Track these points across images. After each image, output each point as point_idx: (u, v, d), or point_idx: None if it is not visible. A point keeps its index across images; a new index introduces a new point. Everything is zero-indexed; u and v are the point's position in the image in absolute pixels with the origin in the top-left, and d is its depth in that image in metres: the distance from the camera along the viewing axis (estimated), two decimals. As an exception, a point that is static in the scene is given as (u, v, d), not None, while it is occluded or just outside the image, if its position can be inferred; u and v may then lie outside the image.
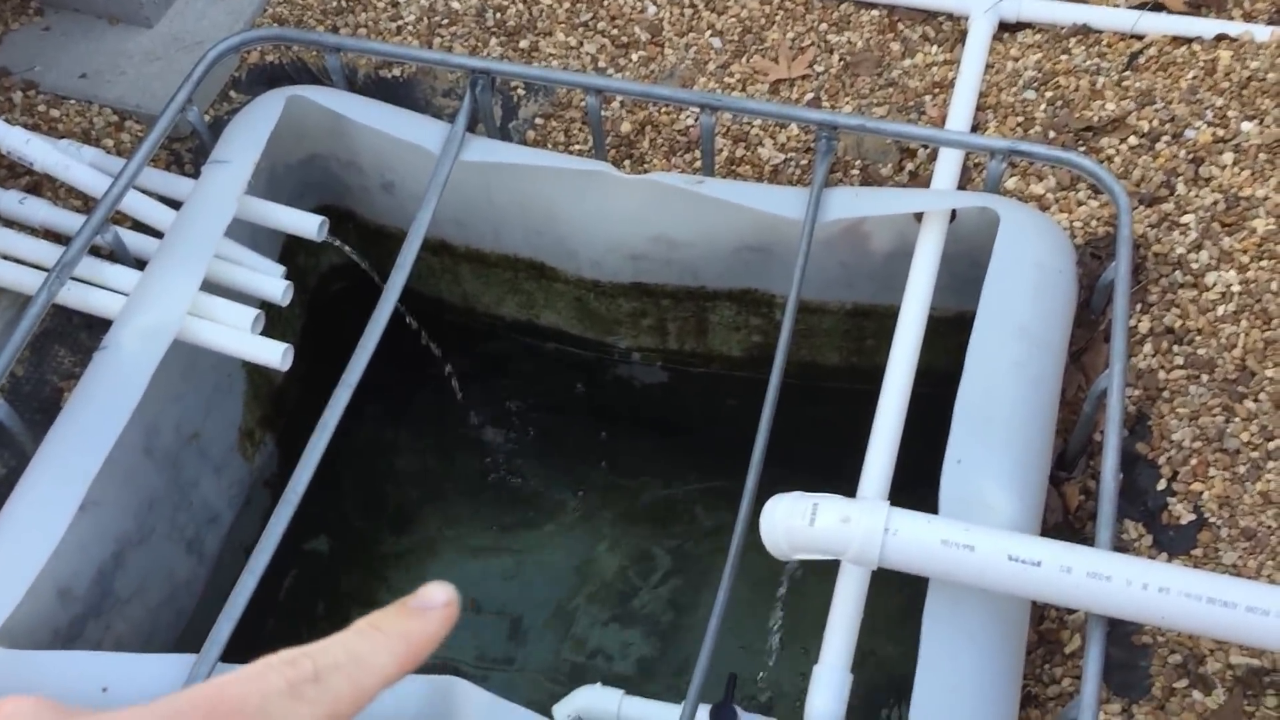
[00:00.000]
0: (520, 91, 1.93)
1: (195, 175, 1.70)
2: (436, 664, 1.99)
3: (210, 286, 1.55)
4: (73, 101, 1.88)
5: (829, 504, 1.22)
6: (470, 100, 1.70)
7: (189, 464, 1.77)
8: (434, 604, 0.39)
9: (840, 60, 1.90)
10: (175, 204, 1.65)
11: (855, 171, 1.79)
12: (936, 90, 1.84)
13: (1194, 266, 1.57)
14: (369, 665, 0.35)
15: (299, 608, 2.06)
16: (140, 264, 1.58)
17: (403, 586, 2.09)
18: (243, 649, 1.31)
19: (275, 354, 1.50)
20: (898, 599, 1.77)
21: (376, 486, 2.21)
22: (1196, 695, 1.28)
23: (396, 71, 1.94)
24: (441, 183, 1.64)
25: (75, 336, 1.66)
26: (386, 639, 0.37)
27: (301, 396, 2.06)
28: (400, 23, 2.00)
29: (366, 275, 1.87)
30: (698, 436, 2.23)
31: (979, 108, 1.79)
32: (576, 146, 1.88)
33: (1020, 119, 1.77)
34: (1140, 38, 1.82)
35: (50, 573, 1.37)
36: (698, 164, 1.82)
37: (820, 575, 1.37)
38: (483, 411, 2.21)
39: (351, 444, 2.11)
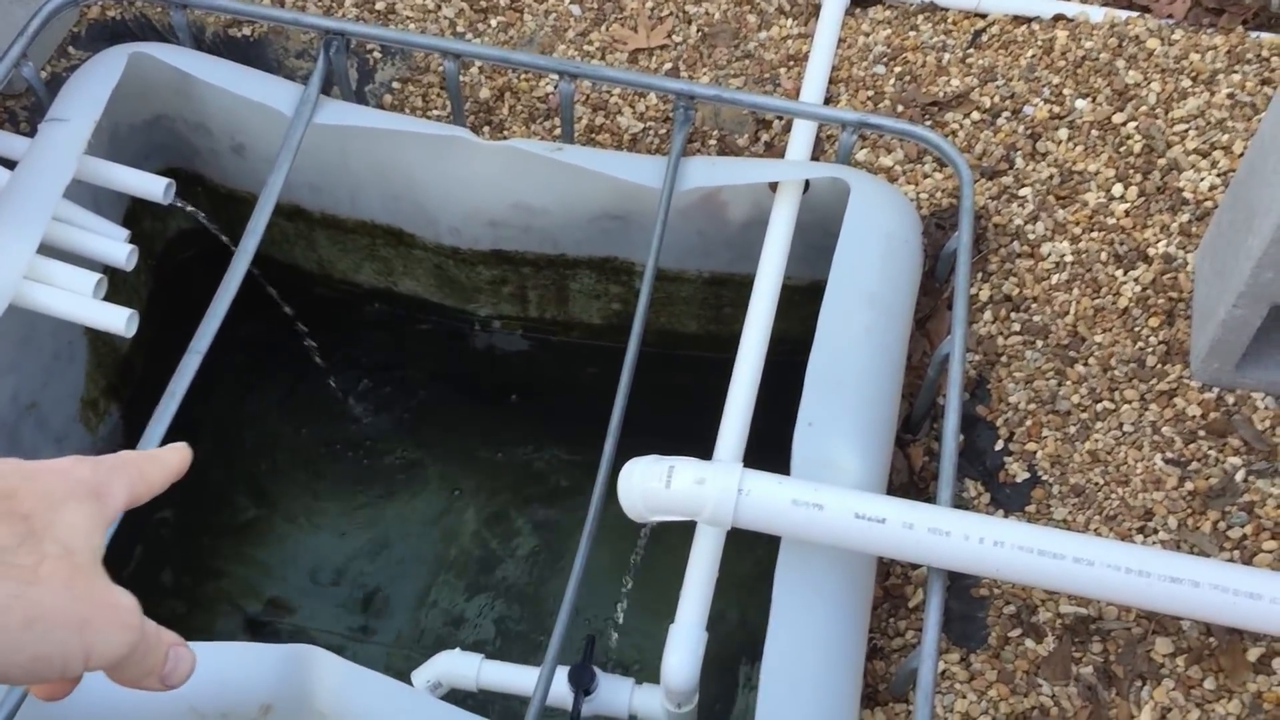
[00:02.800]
0: (376, 54, 1.89)
1: (31, 134, 1.63)
2: (295, 635, 1.97)
3: (49, 250, 1.49)
4: (-106, 53, 1.77)
5: (684, 466, 1.24)
6: (324, 62, 1.67)
7: (27, 435, 1.70)
8: (183, 450, 0.65)
9: (698, 31, 1.93)
10: (9, 164, 1.58)
11: (712, 141, 1.82)
12: (791, 63, 1.88)
13: (1031, 237, 1.64)
14: (168, 462, 0.63)
15: (148, 579, 2.00)
16: (-29, 226, 1.51)
17: (258, 558, 2.06)
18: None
19: (119, 320, 1.45)
20: (749, 562, 1.82)
21: (230, 457, 2.16)
22: (1029, 643, 1.36)
23: (247, 30, 1.88)
24: (294, 146, 1.61)
25: (-100, 302, 1.58)
26: (176, 454, 0.64)
27: (149, 366, 1.99)
28: (250, -20, 1.94)
29: (217, 241, 1.82)
30: (558, 404, 2.24)
31: (831, 81, 1.84)
32: (435, 112, 1.86)
33: (870, 93, 1.82)
34: (984, 16, 1.89)
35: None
36: (557, 131, 1.82)
37: (679, 537, 1.40)
38: (340, 380, 2.18)
39: (205, 414, 2.06)
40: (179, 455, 0.64)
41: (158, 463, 0.62)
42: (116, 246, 1.53)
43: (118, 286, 1.54)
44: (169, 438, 1.36)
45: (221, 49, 1.86)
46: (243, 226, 1.54)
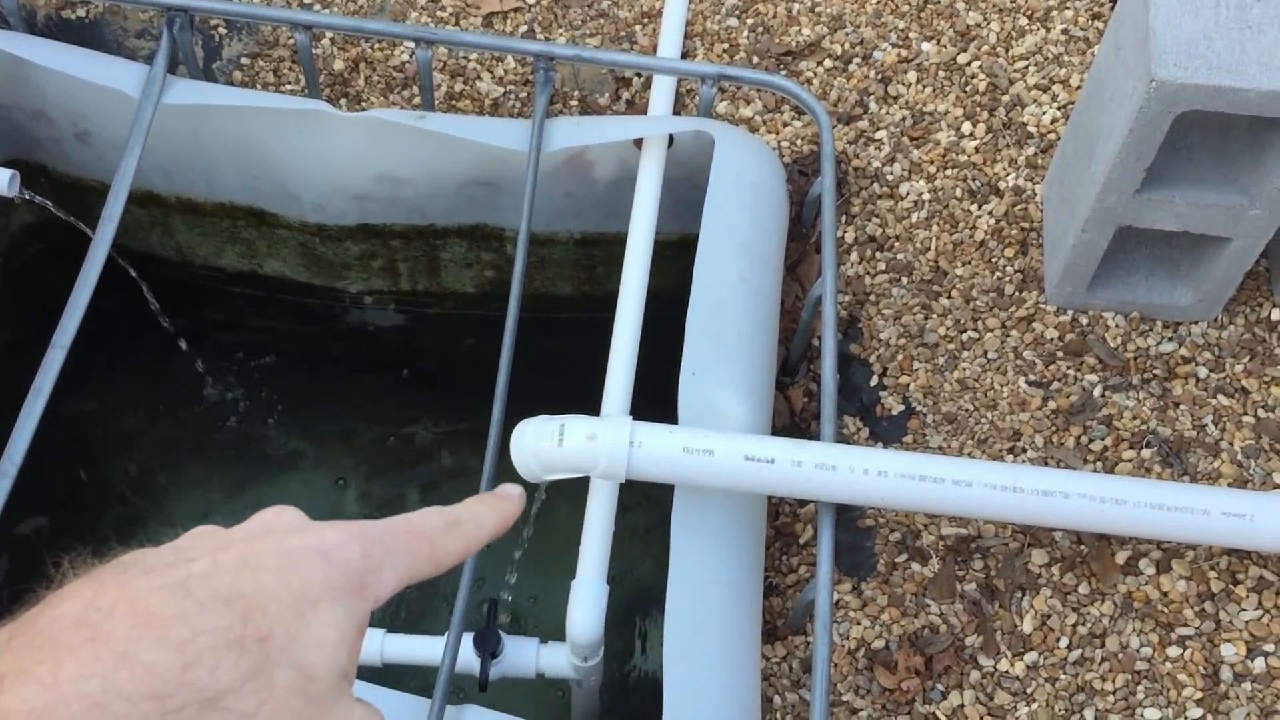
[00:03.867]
0: (222, 30, 1.84)
1: None
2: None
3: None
4: None
5: (576, 423, 1.26)
6: (168, 40, 1.61)
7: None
8: (514, 494, 0.54)
9: (551, -8, 1.92)
10: None
11: (574, 103, 1.82)
12: (645, 20, 1.89)
13: (889, 179, 1.70)
14: (483, 522, 0.50)
15: (15, 593, 1.92)
16: None
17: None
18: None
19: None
20: (641, 516, 1.85)
21: (100, 455, 2.09)
22: (915, 567, 1.42)
23: (81, 12, 1.81)
24: (144, 129, 1.55)
25: None
26: (490, 509, 0.52)
27: (4, 367, 1.91)
28: (80, -41, 1.86)
29: (68, 233, 1.75)
30: (438, 377, 2.23)
31: (687, 36, 1.86)
32: (288, 86, 1.81)
33: (726, 45, 1.85)
34: (829, -34, 1.93)
35: None
36: (417, 100, 1.80)
37: (570, 497, 1.42)
38: (210, 367, 2.12)
39: (70, 411, 1.99)
40: (496, 515, 0.52)
41: (463, 530, 0.49)
42: (-39, 244, 1.46)
43: (-36, 286, 1.47)
44: (39, 436, 1.32)
45: (55, 33, 1.78)
46: (92, 216, 1.48)
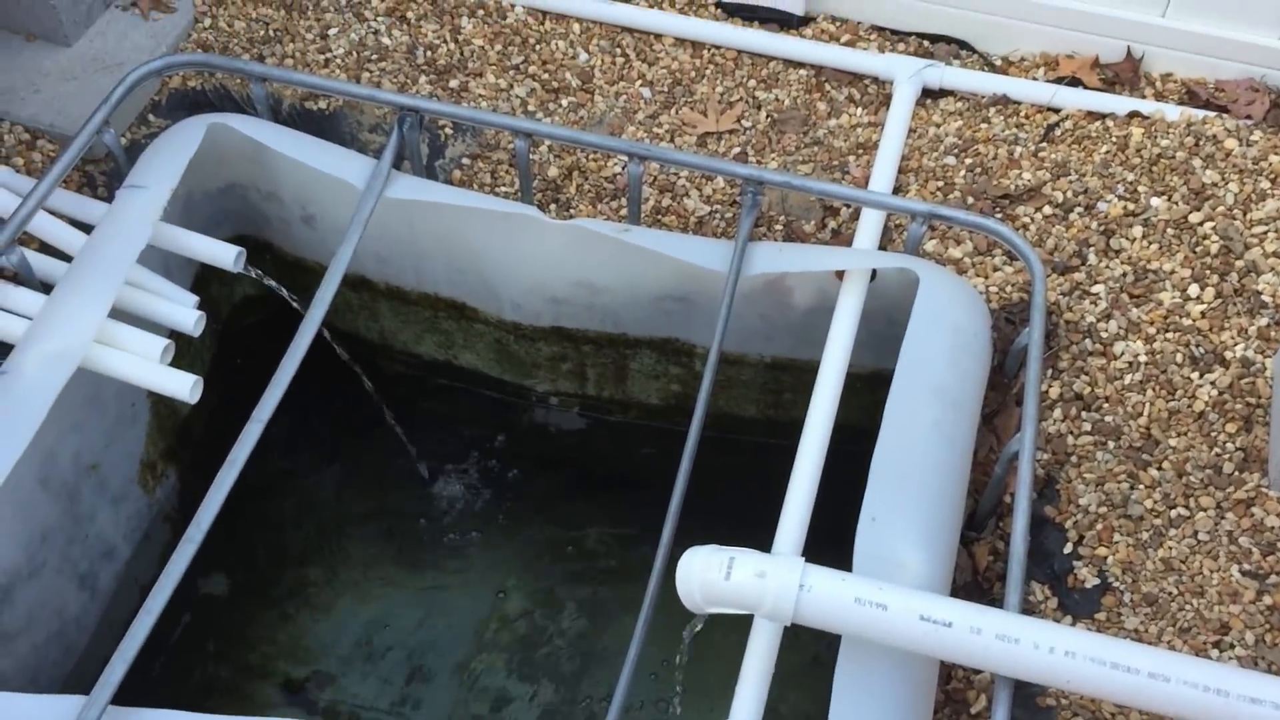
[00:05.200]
0: (448, 131, 1.92)
1: (109, 199, 1.66)
2: (339, 711, 1.94)
3: (119, 313, 1.51)
4: (-18, 117, 1.82)
5: (745, 558, 1.21)
6: (397, 137, 1.69)
7: (86, 496, 1.70)
8: None
9: (768, 117, 1.93)
10: (86, 227, 1.61)
11: (779, 226, 1.81)
12: (860, 151, 1.87)
13: (1103, 335, 1.61)
14: None
15: (192, 647, 1.99)
16: (47, 288, 1.53)
17: (304, 624, 2.04)
18: (133, 691, 1.26)
19: (184, 386, 1.46)
20: (810, 650, 1.77)
21: (280, 521, 2.16)
22: (1097, 758, 1.30)
23: (323, 104, 1.92)
24: (365, 218, 1.62)
25: (-28, 359, 1.60)
26: None
27: (208, 428, 2.01)
28: (329, 55, 1.98)
29: (282, 308, 1.84)
30: (612, 483, 2.22)
31: (901, 170, 1.83)
32: (503, 188, 1.87)
33: (940, 183, 1.81)
34: (1057, 111, 1.88)
35: (-69, 607, 1.31)
36: (624, 211, 1.82)
37: (730, 629, 1.37)
38: (395, 449, 2.18)
39: (257, 476, 2.06)
40: None
41: None
42: (185, 313, 1.54)
43: (182, 349, 1.55)
44: (228, 504, 1.36)
45: (298, 121, 1.89)
46: (308, 294, 1.55)
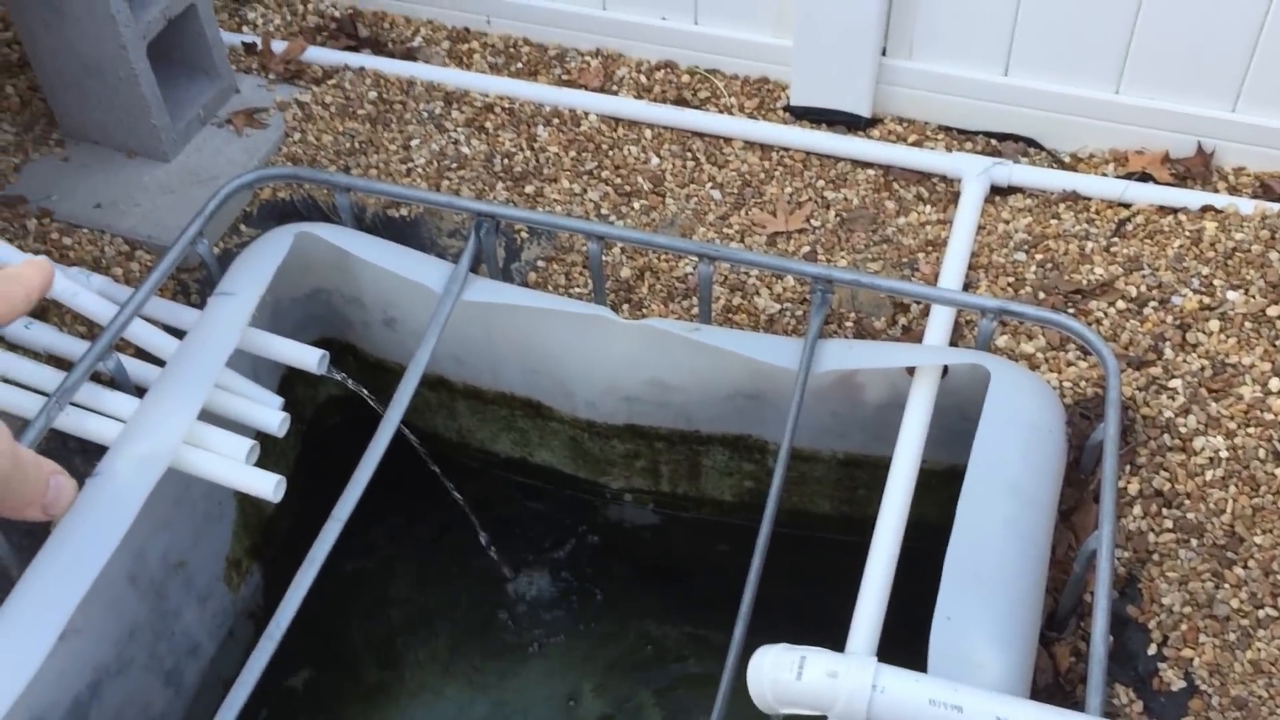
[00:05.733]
0: (524, 234, 1.97)
1: (201, 305, 1.73)
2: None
3: (207, 415, 1.57)
4: (85, 230, 1.92)
5: (817, 658, 1.21)
6: (475, 242, 1.74)
7: (173, 593, 1.75)
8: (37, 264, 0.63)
9: (836, 216, 1.96)
10: (179, 333, 1.68)
11: (849, 323, 1.82)
12: (929, 248, 1.89)
13: (1182, 431, 1.58)
14: (28, 278, 0.61)
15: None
16: (140, 391, 1.60)
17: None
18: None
19: (268, 486, 1.50)
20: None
21: (360, 618, 2.19)
22: None
23: (404, 211, 1.99)
24: (443, 321, 1.67)
25: (70, 461, 1.66)
26: (36, 269, 0.62)
27: (292, 527, 2.05)
28: (411, 165, 2.06)
29: (362, 409, 1.89)
30: (686, 580, 2.22)
31: (971, 267, 1.84)
32: (577, 289, 1.91)
33: (1011, 279, 1.81)
34: (1128, 206, 1.88)
35: (25, 703, 1.35)
36: (695, 310, 1.85)
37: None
38: (472, 547, 2.20)
39: (338, 572, 2.10)
40: (40, 272, 0.63)
41: (16, 281, 0.61)
42: (271, 414, 1.60)
43: (267, 449, 1.60)
44: (308, 601, 1.39)
45: (380, 228, 1.96)
46: (388, 395, 1.59)
